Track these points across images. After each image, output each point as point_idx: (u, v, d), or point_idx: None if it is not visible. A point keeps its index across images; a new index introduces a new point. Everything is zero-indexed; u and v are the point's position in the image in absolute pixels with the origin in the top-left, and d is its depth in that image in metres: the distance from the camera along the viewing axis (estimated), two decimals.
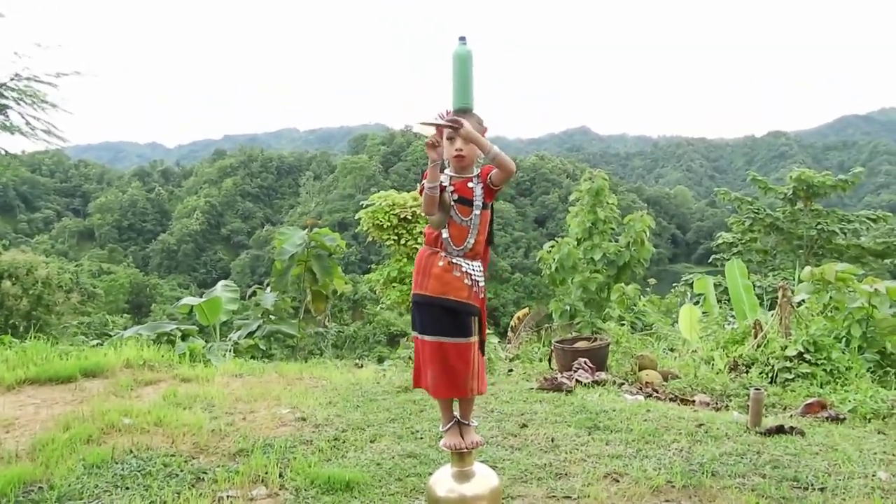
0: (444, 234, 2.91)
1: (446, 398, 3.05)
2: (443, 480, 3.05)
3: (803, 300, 8.56)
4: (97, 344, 7.39)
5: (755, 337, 7.62)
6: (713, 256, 20.50)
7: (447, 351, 2.91)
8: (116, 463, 3.77)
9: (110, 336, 8.38)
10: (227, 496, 3.42)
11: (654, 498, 3.41)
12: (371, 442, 4.22)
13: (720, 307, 12.36)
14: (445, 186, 2.89)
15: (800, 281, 8.96)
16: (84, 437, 4.08)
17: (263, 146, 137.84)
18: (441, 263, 2.92)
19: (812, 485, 3.52)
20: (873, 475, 3.67)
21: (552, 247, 16.46)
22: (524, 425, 4.55)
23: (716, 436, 4.32)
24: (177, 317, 11.90)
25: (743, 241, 19.87)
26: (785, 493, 3.40)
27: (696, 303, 12.32)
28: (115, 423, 4.36)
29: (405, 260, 10.48)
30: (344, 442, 4.22)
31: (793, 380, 6.50)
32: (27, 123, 7.78)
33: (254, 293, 11.41)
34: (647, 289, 15.20)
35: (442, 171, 2.94)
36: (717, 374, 6.91)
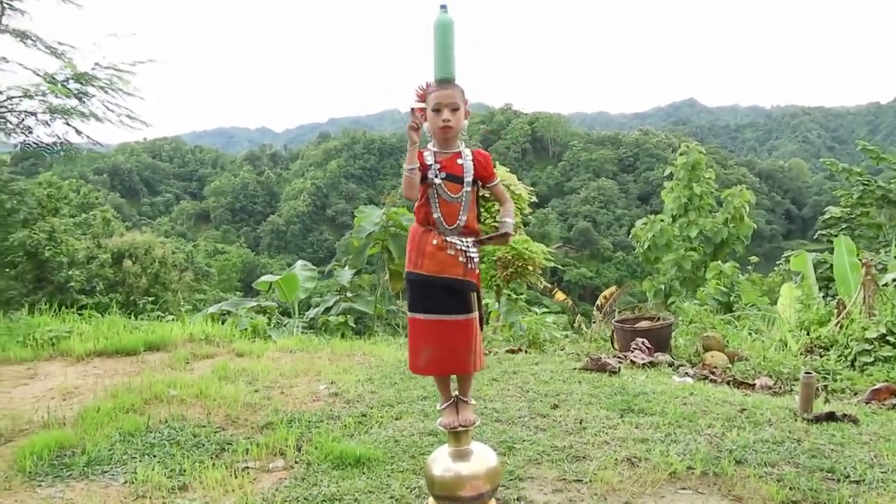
0: (436, 214, 2.83)
1: (445, 376, 3.01)
2: (440, 459, 3.01)
3: None
4: (172, 319, 7.76)
5: (837, 317, 7.12)
6: (819, 233, 19.23)
7: (448, 328, 2.85)
8: (150, 432, 3.97)
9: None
10: (246, 467, 3.53)
11: (668, 484, 3.24)
12: (396, 419, 4.23)
13: (830, 287, 11.53)
14: (430, 165, 2.81)
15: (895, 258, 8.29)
16: (126, 407, 4.31)
17: (366, 128, 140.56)
18: (434, 241, 2.85)
19: (848, 476, 3.25)
20: None
21: (645, 224, 15.96)
22: (556, 406, 4.44)
23: (756, 422, 4.06)
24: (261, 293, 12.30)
25: (852, 216, 18.53)
26: (814, 485, 3.14)
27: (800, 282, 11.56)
28: (159, 394, 4.58)
29: None
30: (370, 418, 4.25)
31: (872, 363, 6.03)
32: (109, 110, 8.14)
33: (332, 270, 11.68)
34: (749, 267, 14.42)
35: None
36: (792, 356, 6.50)
